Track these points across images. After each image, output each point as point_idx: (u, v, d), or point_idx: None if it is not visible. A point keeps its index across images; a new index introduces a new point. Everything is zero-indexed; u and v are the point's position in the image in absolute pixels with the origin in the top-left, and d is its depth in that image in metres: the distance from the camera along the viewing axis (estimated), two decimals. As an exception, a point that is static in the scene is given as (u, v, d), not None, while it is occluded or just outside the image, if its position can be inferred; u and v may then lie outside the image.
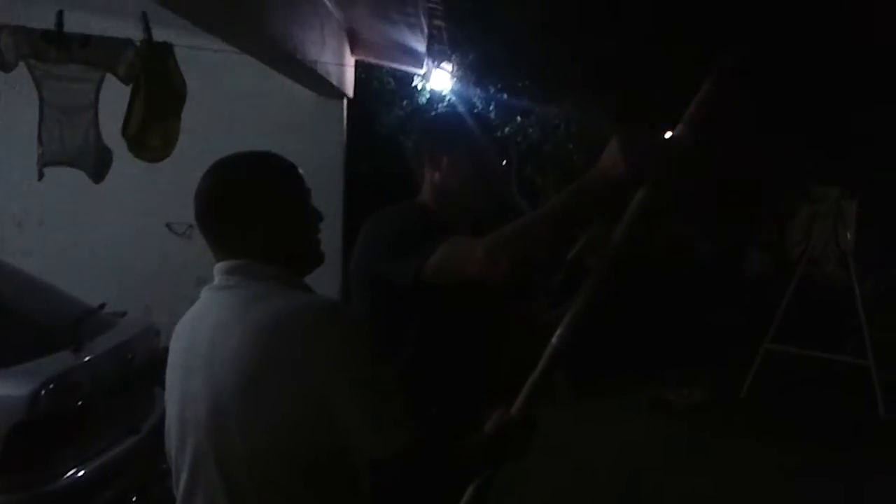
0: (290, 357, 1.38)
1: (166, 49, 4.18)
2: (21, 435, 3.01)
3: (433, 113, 6.44)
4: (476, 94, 7.66)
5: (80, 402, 3.29)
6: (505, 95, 7.82)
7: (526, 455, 1.64)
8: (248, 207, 1.50)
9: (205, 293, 1.56)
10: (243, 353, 1.40)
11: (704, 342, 7.57)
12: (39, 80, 4.04)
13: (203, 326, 1.50)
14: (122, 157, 4.27)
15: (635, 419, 6.12)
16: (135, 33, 4.17)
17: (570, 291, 1.72)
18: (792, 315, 6.73)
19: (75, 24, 4.19)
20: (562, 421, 5.41)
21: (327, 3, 5.34)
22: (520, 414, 1.64)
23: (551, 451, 4.30)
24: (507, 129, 7.70)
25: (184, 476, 1.51)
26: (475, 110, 7.01)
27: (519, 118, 7.91)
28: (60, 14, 4.00)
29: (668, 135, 1.71)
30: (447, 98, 7.38)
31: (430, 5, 5.44)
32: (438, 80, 7.00)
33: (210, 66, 5.44)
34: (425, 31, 5.87)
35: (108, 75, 4.15)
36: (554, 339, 1.69)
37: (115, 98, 4.22)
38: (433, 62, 6.75)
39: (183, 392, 1.51)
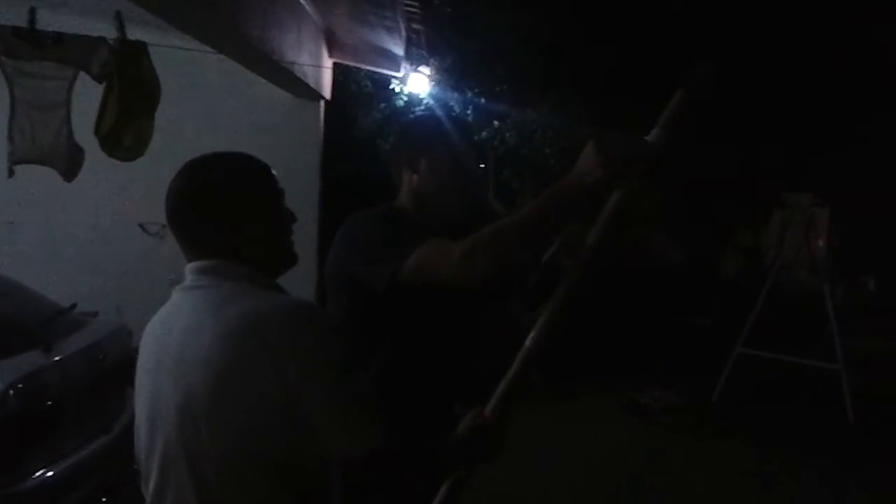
0: (261, 358, 1.37)
1: (140, 48, 4.15)
2: (-11, 435, 2.97)
3: (411, 116, 6.45)
4: (454, 98, 7.67)
5: (49, 402, 3.26)
6: (482, 100, 7.85)
7: (499, 456, 1.65)
8: (220, 207, 1.50)
9: (176, 293, 1.55)
10: (214, 353, 1.39)
11: (678, 345, 7.63)
12: (11, 77, 4.00)
13: (174, 327, 1.49)
14: (95, 157, 4.23)
15: (609, 421, 6.15)
16: (109, 32, 4.14)
17: (546, 293, 1.73)
18: (764, 320, 6.79)
19: (48, 21, 4.15)
20: (536, 423, 5.44)
21: (305, 5, 5.33)
22: (493, 415, 1.65)
23: (526, 452, 4.31)
24: (484, 134, 7.72)
25: (153, 476, 1.50)
26: (453, 114, 7.03)
27: (496, 122, 7.93)
28: (33, 11, 3.97)
29: (644, 139, 1.73)
30: (425, 101, 7.39)
31: (408, 9, 5.45)
32: (416, 83, 7.01)
33: (186, 66, 5.41)
34: (403, 34, 5.88)
35: (82, 74, 4.11)
36: (528, 342, 1.70)
37: (88, 97, 4.19)
38: (411, 65, 6.76)
39: (153, 392, 1.50)
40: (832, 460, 5.40)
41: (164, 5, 3.38)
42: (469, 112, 7.75)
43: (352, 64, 6.88)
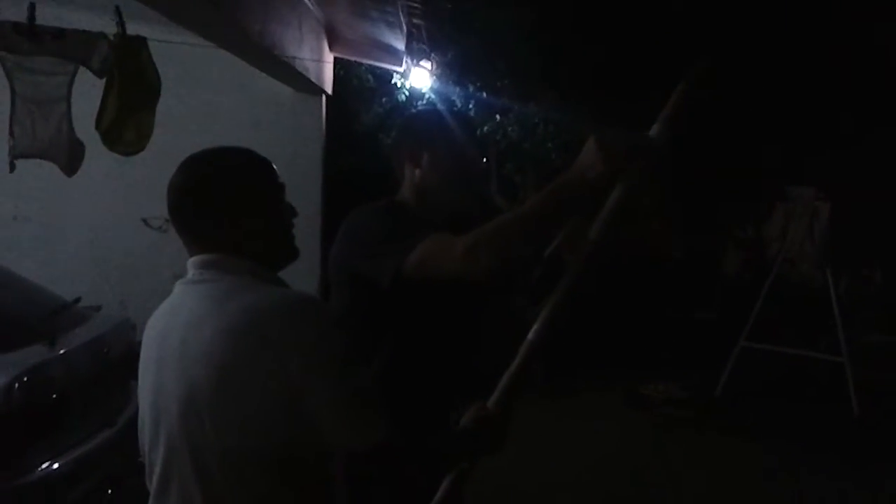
0: (263, 352, 1.38)
1: (140, 43, 4.15)
2: (-5, 428, 2.99)
3: (413, 110, 6.44)
4: (455, 93, 7.66)
5: (54, 396, 3.27)
6: (484, 94, 7.84)
7: (502, 448, 1.65)
8: (221, 202, 1.50)
9: (178, 287, 1.56)
10: (216, 347, 1.40)
11: (681, 340, 7.64)
12: (11, 73, 4.00)
13: (176, 321, 1.49)
14: (98, 152, 4.24)
15: (612, 415, 6.16)
16: (108, 27, 4.14)
17: (548, 287, 1.74)
18: (767, 313, 6.79)
19: (48, 17, 4.15)
20: (539, 416, 5.46)
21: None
22: (496, 408, 1.66)
23: (529, 446, 4.33)
24: (486, 128, 7.71)
25: (157, 469, 1.51)
26: (455, 108, 7.03)
27: (498, 117, 7.92)
28: (32, 7, 3.97)
29: (646, 134, 1.73)
30: (426, 96, 7.38)
31: (409, 4, 5.44)
32: (418, 78, 7.00)
33: (187, 62, 5.42)
34: (404, 29, 5.87)
35: (82, 69, 4.12)
36: (530, 335, 1.70)
37: (88, 92, 4.19)
38: (412, 60, 6.75)
39: (156, 386, 1.51)
40: (837, 454, 5.40)
41: (165, 0, 3.38)
42: (471, 106, 7.74)
43: (353, 58, 6.87)
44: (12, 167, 4.11)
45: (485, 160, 2.49)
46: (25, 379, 3.08)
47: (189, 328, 1.45)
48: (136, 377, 1.60)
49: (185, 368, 1.43)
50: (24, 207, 5.87)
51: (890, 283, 8.75)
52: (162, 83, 4.21)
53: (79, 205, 5.91)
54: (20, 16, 3.98)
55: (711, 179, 8.73)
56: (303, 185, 5.90)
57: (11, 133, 4.06)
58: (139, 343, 1.61)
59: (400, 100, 7.91)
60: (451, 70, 7.56)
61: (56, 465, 3.20)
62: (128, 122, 4.11)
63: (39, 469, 3.13)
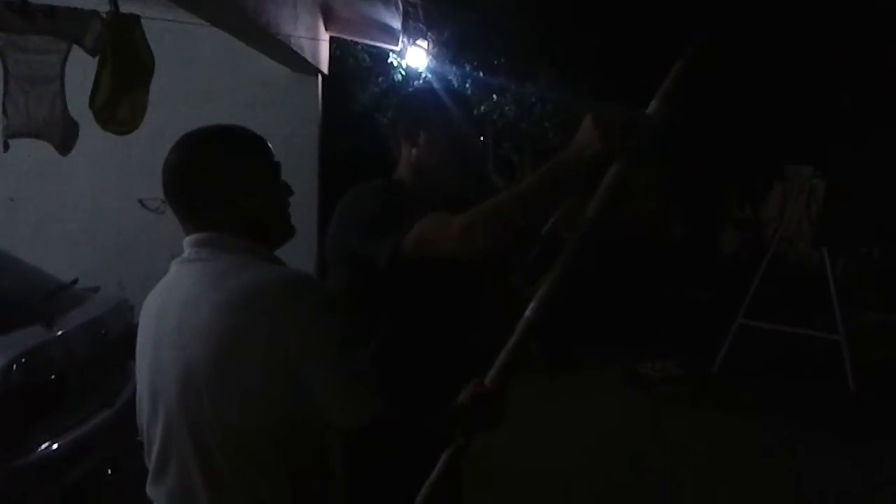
0: (261, 329, 1.38)
1: (133, 21, 4.13)
2: (-6, 409, 2.99)
3: (410, 89, 6.41)
4: (452, 72, 7.63)
5: (53, 377, 3.28)
6: (481, 73, 7.80)
7: (499, 425, 1.66)
8: (216, 180, 1.50)
9: (174, 266, 1.56)
10: (214, 325, 1.40)
11: (679, 318, 7.66)
12: (4, 51, 3.97)
13: (173, 299, 1.50)
14: (93, 133, 4.22)
15: (610, 393, 6.19)
16: (101, 5, 4.11)
17: (545, 265, 1.74)
18: (765, 291, 6.81)
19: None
20: (537, 394, 5.48)
21: (301, -23, 5.29)
22: (493, 384, 1.66)
23: (526, 424, 4.35)
24: (483, 107, 7.69)
25: (156, 447, 1.51)
26: (452, 87, 7.00)
27: (495, 96, 7.90)
28: (24, -16, 3.94)
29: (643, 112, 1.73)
30: (423, 75, 7.34)
31: (405, -19, 5.41)
32: (414, 57, 6.96)
33: (182, 41, 5.38)
34: (400, 7, 5.84)
35: (75, 47, 4.09)
36: (528, 312, 1.71)
37: (82, 70, 4.16)
38: (409, 39, 6.71)
39: (154, 364, 1.51)
40: (833, 431, 5.43)
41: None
42: (468, 86, 7.71)
43: (349, 38, 6.83)
44: (6, 147, 4.10)
45: (482, 139, 2.48)
46: (24, 360, 3.08)
47: (186, 306, 1.45)
48: (134, 358, 1.61)
49: (182, 346, 1.44)
50: (20, 189, 5.85)
51: (887, 261, 8.77)
52: (156, 63, 4.19)
53: (75, 186, 5.90)
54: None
55: (710, 159, 8.72)
56: (299, 165, 5.87)
57: (5, 112, 4.04)
58: (137, 324, 1.61)
59: (396, 79, 7.87)
60: (448, 49, 7.53)
61: (55, 446, 3.21)
62: (122, 100, 4.09)
63: (38, 450, 3.14)
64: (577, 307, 5.52)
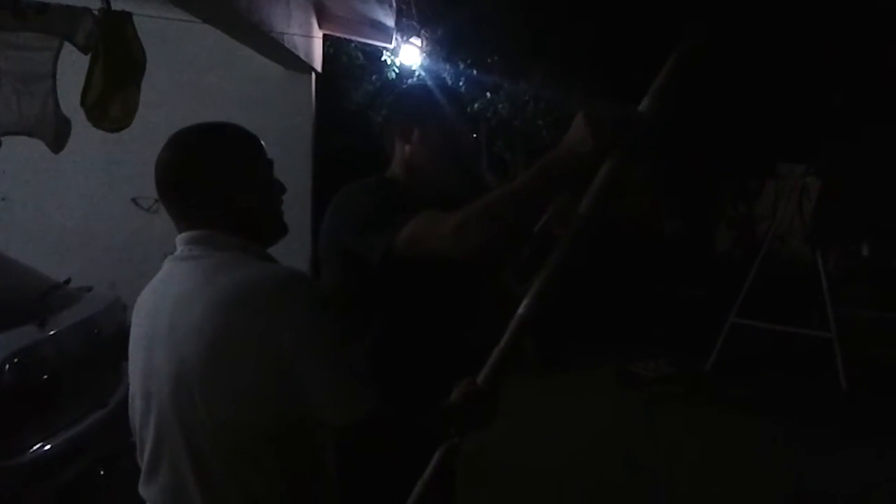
0: (253, 327, 1.38)
1: (125, 18, 4.11)
2: (-15, 408, 2.98)
3: (405, 86, 6.41)
4: (445, 70, 7.62)
5: (45, 377, 3.26)
6: (474, 71, 7.79)
7: (492, 422, 1.66)
8: (209, 178, 1.50)
9: (167, 264, 1.55)
10: (206, 323, 1.40)
11: (672, 316, 7.67)
12: (-5, 49, 3.96)
13: (166, 297, 1.49)
14: (87, 132, 4.21)
15: (602, 392, 6.19)
16: (93, 2, 4.10)
17: (538, 263, 1.74)
18: (758, 289, 6.82)
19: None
20: (530, 393, 5.48)
21: (294, -25, 5.28)
22: (486, 382, 1.66)
23: (519, 422, 4.35)
24: (476, 105, 7.68)
25: (148, 446, 1.51)
26: (446, 85, 6.98)
27: (488, 94, 7.89)
28: (15, -19, 3.92)
29: (635, 108, 1.73)
30: (416, 73, 7.34)
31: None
32: (407, 55, 6.96)
33: (175, 39, 5.38)
34: (393, 5, 5.83)
35: (67, 44, 4.07)
36: (520, 310, 1.70)
37: (74, 67, 4.15)
38: (402, 37, 6.70)
39: (146, 363, 1.51)
40: (826, 428, 5.45)
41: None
42: (461, 84, 7.70)
43: (342, 36, 6.82)
44: (-1, 144, 4.08)
45: (475, 137, 2.48)
46: (16, 360, 3.07)
47: (178, 304, 1.45)
48: (127, 358, 1.60)
49: (175, 344, 1.43)
50: (12, 188, 5.84)
51: (877, 257, 8.79)
52: (149, 60, 4.17)
53: (68, 186, 5.89)
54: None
55: (703, 157, 8.73)
56: (293, 164, 5.88)
57: (-4, 110, 4.03)
58: (130, 324, 1.61)
59: (390, 77, 7.86)
60: (441, 47, 7.51)
61: (48, 446, 3.20)
62: (114, 98, 4.07)
63: (31, 450, 3.13)
64: (571, 305, 5.52)
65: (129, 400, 1.58)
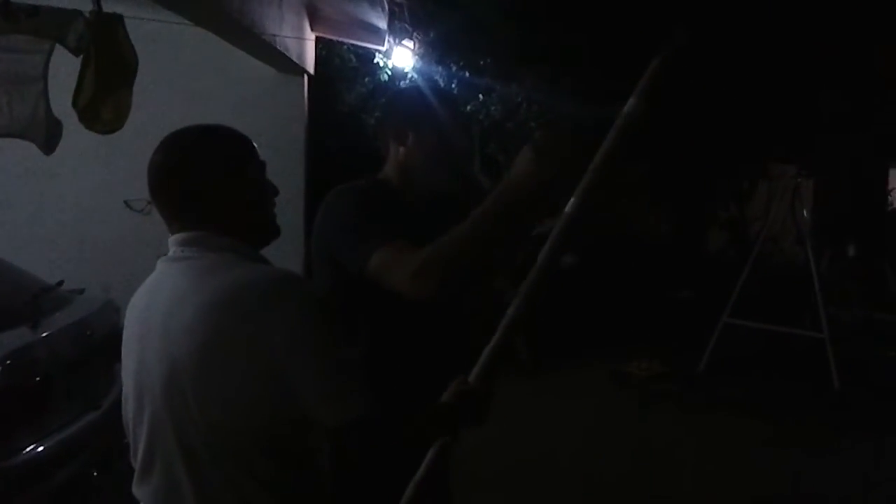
0: (246, 328, 1.39)
1: (117, 20, 4.11)
2: (-22, 411, 2.98)
3: (399, 88, 6.41)
4: (438, 72, 7.63)
5: (38, 379, 3.26)
6: (467, 73, 7.81)
7: (484, 422, 1.66)
8: (201, 179, 1.50)
9: (160, 265, 1.56)
10: (199, 324, 1.40)
11: (664, 317, 7.69)
12: (-13, 51, 3.96)
13: (158, 298, 1.50)
14: (79, 133, 4.20)
15: (595, 392, 6.21)
16: (84, 4, 4.10)
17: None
18: (750, 290, 6.85)
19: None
20: (523, 394, 5.49)
21: (286, -23, 5.28)
22: (477, 381, 1.67)
23: (512, 423, 4.36)
24: (469, 107, 7.69)
25: (141, 447, 1.51)
26: (438, 87, 6.99)
27: (481, 96, 7.90)
28: (6, -16, 3.91)
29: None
30: (409, 75, 7.35)
31: (390, -19, 5.41)
32: (400, 57, 6.97)
33: (167, 42, 5.37)
34: (386, 7, 5.84)
35: (59, 47, 4.07)
36: (510, 309, 1.71)
37: (65, 70, 4.15)
38: (394, 39, 6.71)
39: (139, 364, 1.51)
40: (818, 428, 5.48)
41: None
42: (454, 86, 7.71)
43: (335, 38, 6.82)
44: (-10, 147, 4.08)
45: (468, 139, 2.49)
46: (8, 362, 3.07)
47: (171, 305, 1.45)
48: (119, 360, 1.61)
49: (167, 345, 1.44)
50: (4, 190, 5.82)
51: (865, 258, 8.82)
52: (141, 63, 4.17)
53: (60, 187, 5.87)
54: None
55: (695, 158, 8.75)
56: (286, 166, 5.87)
57: (-12, 112, 4.02)
58: (123, 326, 1.62)
59: (382, 79, 7.86)
60: (434, 49, 7.52)
61: (41, 449, 3.18)
62: (105, 100, 4.06)
63: (24, 452, 3.12)
64: (563, 307, 5.53)
65: (123, 401, 1.59)
